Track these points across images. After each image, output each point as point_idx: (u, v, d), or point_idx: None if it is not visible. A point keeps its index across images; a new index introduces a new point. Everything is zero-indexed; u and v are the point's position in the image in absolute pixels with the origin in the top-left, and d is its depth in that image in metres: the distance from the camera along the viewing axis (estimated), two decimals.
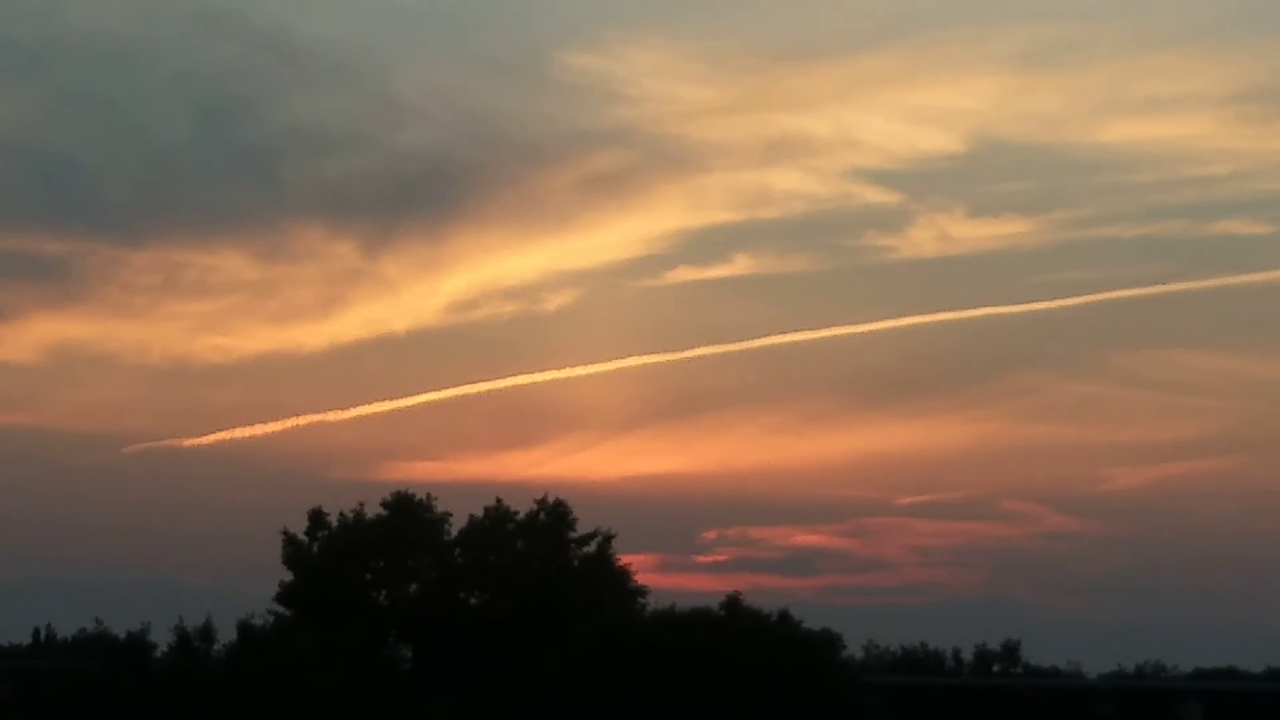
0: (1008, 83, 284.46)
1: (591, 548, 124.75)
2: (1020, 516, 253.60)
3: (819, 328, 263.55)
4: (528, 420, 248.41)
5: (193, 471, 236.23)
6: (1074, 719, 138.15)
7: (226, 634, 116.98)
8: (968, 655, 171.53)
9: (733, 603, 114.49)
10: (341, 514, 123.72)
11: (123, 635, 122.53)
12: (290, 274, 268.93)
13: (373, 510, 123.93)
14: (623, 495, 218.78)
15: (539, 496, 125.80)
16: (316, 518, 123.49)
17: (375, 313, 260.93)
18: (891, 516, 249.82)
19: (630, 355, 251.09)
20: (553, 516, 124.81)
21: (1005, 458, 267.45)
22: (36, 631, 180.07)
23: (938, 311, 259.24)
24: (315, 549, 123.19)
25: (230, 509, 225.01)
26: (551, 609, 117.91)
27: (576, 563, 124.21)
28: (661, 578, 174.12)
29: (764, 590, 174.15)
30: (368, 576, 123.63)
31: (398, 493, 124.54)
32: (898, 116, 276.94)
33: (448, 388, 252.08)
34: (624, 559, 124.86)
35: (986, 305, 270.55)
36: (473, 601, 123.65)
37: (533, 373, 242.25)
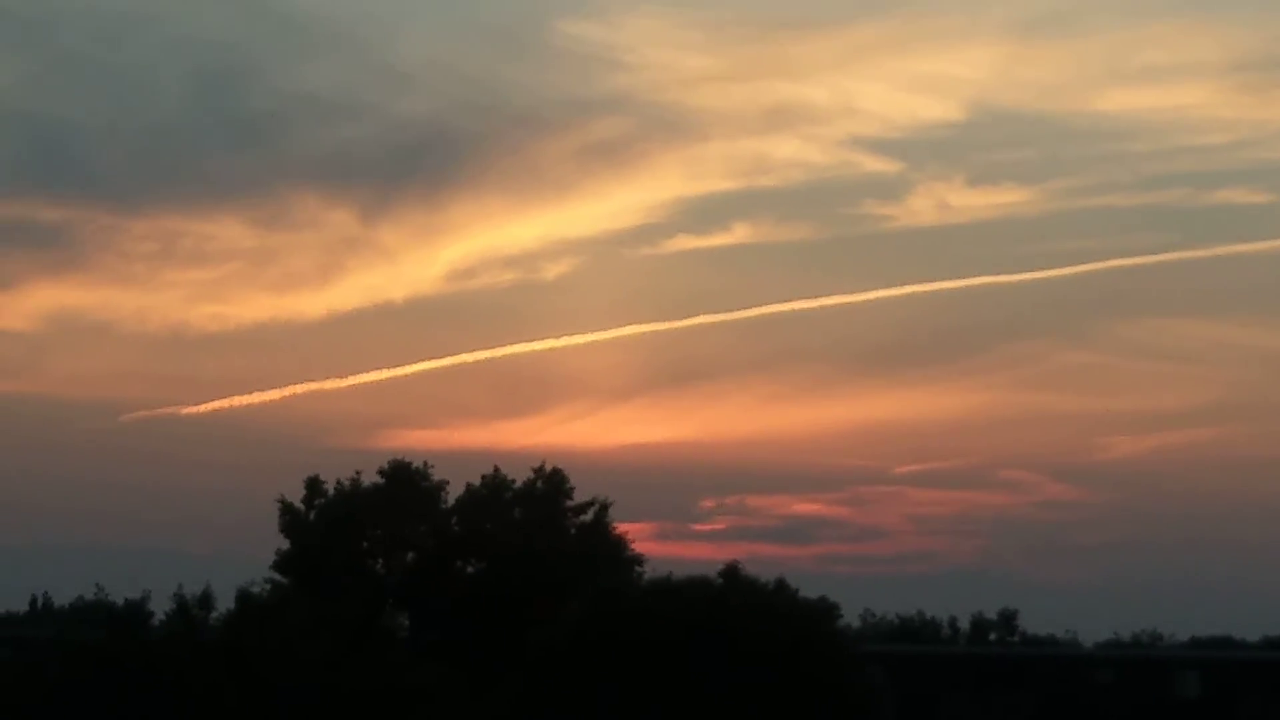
0: (1007, 52, 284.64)
1: (588, 516, 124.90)
2: (1018, 485, 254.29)
3: (817, 296, 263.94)
4: (526, 389, 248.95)
5: (190, 439, 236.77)
6: (1071, 687, 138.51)
7: (225, 602, 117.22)
8: (964, 624, 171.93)
9: (730, 571, 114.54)
10: (338, 482, 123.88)
11: (120, 603, 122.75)
12: (288, 242, 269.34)
13: (370, 479, 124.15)
14: (621, 464, 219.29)
15: (536, 465, 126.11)
16: (313, 486, 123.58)
17: (373, 281, 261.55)
18: (889, 485, 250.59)
19: (628, 324, 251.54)
20: (550, 485, 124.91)
21: (1003, 426, 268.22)
22: (34, 599, 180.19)
23: (936, 280, 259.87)
24: (312, 517, 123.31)
25: (228, 477, 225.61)
26: (548, 578, 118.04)
27: (573, 531, 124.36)
28: (659, 546, 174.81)
29: (761, 559, 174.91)
30: (364, 545, 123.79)
31: (394, 461, 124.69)
32: (897, 85, 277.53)
33: (446, 356, 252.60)
34: (621, 528, 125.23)
35: (985, 274, 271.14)
36: (469, 570, 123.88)
37: (531, 341, 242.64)
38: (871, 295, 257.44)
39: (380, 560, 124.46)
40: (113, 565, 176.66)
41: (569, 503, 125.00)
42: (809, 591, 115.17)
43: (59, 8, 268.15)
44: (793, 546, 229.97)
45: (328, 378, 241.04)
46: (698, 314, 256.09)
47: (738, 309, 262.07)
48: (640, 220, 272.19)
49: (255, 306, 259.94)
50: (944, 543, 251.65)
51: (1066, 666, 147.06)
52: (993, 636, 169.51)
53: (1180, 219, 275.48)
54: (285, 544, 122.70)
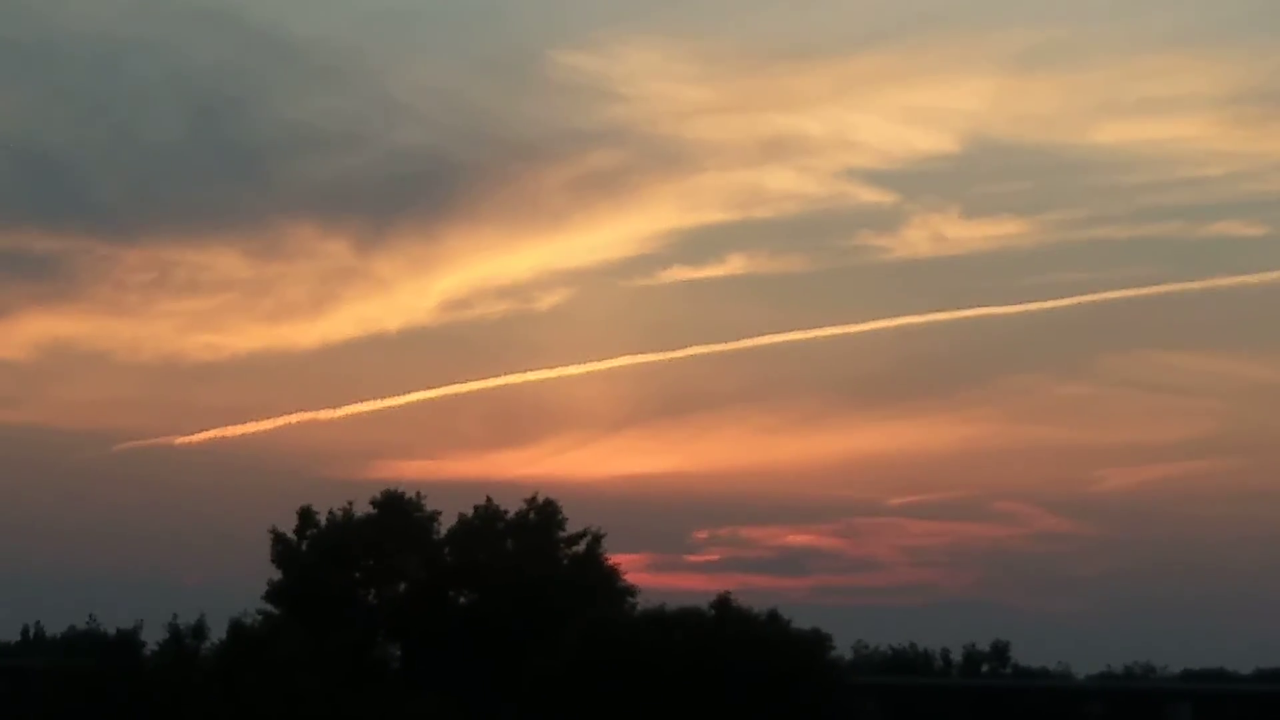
0: (1003, 84, 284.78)
1: (581, 547, 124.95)
2: (1011, 517, 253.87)
3: (812, 328, 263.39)
4: (519, 419, 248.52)
5: (184, 469, 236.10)
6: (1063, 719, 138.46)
7: (218, 632, 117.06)
8: (957, 656, 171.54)
9: (722, 603, 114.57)
10: (331, 512, 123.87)
11: (112, 632, 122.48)
12: (283, 272, 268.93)
13: (362, 509, 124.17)
14: (614, 495, 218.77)
15: (529, 496, 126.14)
16: (306, 516, 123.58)
17: (367, 311, 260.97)
18: (883, 517, 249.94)
19: (623, 355, 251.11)
20: (542, 516, 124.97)
21: (997, 458, 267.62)
22: (26, 629, 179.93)
23: (931, 312, 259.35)
24: (305, 547, 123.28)
25: (221, 507, 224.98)
26: (541, 608, 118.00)
27: (566, 562, 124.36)
28: (653, 577, 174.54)
29: (755, 590, 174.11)
30: (357, 575, 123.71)
31: (387, 491, 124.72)
32: (892, 117, 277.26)
33: (440, 387, 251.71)
34: (614, 559, 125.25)
35: (980, 306, 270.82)
36: (462, 601, 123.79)
37: (525, 372, 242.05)
38: (866, 326, 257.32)
39: (372, 590, 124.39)
40: (105, 595, 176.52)
41: (562, 533, 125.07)
42: (802, 623, 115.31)
43: (56, 37, 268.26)
44: (786, 578, 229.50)
45: (321, 408, 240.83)
46: (692, 345, 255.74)
47: (732, 340, 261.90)
48: (635, 251, 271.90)
49: (250, 336, 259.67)
50: (937, 574, 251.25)
51: (1059, 699, 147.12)
52: (985, 668, 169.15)
53: (1176, 251, 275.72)
54: (278, 574, 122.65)
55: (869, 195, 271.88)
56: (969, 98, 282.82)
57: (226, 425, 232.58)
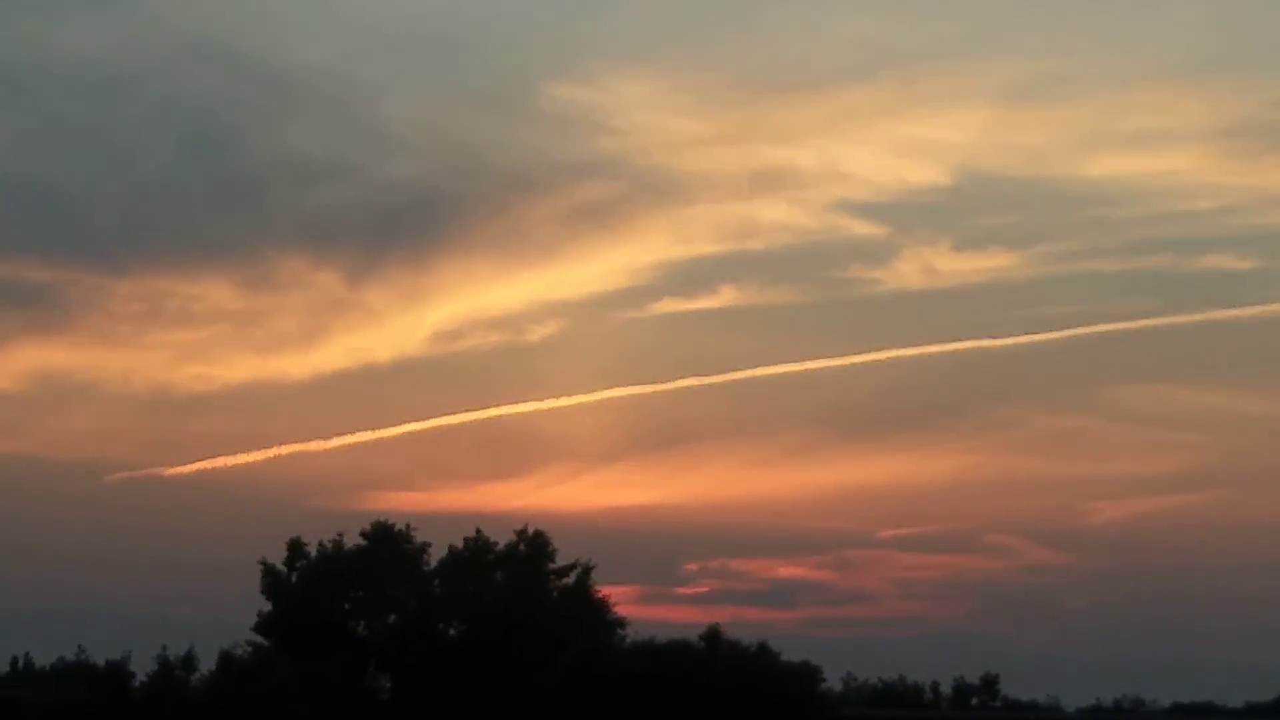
0: (994, 116, 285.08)
1: (571, 579, 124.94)
2: (1002, 550, 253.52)
3: (803, 360, 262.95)
4: (510, 451, 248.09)
5: (174, 500, 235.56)
6: None
7: (207, 663, 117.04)
8: (946, 688, 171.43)
9: (712, 635, 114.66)
10: (320, 544, 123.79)
11: (102, 664, 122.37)
12: (274, 303, 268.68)
13: (352, 540, 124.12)
14: (604, 526, 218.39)
15: (519, 527, 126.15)
16: (295, 548, 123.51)
17: (359, 342, 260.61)
18: (873, 549, 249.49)
19: (614, 386, 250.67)
20: (532, 548, 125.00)
21: (988, 491, 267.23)
22: (15, 660, 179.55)
23: (922, 344, 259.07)
24: (294, 579, 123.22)
25: (212, 538, 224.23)
26: (530, 640, 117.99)
27: (556, 594, 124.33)
28: (643, 609, 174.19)
29: (745, 622, 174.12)
30: (346, 607, 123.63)
31: (377, 523, 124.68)
32: (884, 149, 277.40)
33: (430, 418, 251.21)
34: (604, 590, 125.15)
35: (971, 338, 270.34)
36: (452, 632, 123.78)
37: (516, 403, 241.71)
38: (857, 359, 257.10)
39: (362, 622, 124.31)
40: (94, 626, 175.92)
41: (551, 565, 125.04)
42: (792, 655, 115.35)
43: (45, 69, 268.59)
44: (776, 610, 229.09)
45: (312, 439, 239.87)
46: (683, 377, 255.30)
47: (723, 372, 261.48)
48: (626, 283, 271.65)
49: (240, 367, 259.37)
50: (927, 607, 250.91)
51: None
52: (975, 701, 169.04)
53: (1167, 284, 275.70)
54: (267, 606, 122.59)
55: (860, 228, 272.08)
56: (961, 130, 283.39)
57: (217, 456, 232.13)
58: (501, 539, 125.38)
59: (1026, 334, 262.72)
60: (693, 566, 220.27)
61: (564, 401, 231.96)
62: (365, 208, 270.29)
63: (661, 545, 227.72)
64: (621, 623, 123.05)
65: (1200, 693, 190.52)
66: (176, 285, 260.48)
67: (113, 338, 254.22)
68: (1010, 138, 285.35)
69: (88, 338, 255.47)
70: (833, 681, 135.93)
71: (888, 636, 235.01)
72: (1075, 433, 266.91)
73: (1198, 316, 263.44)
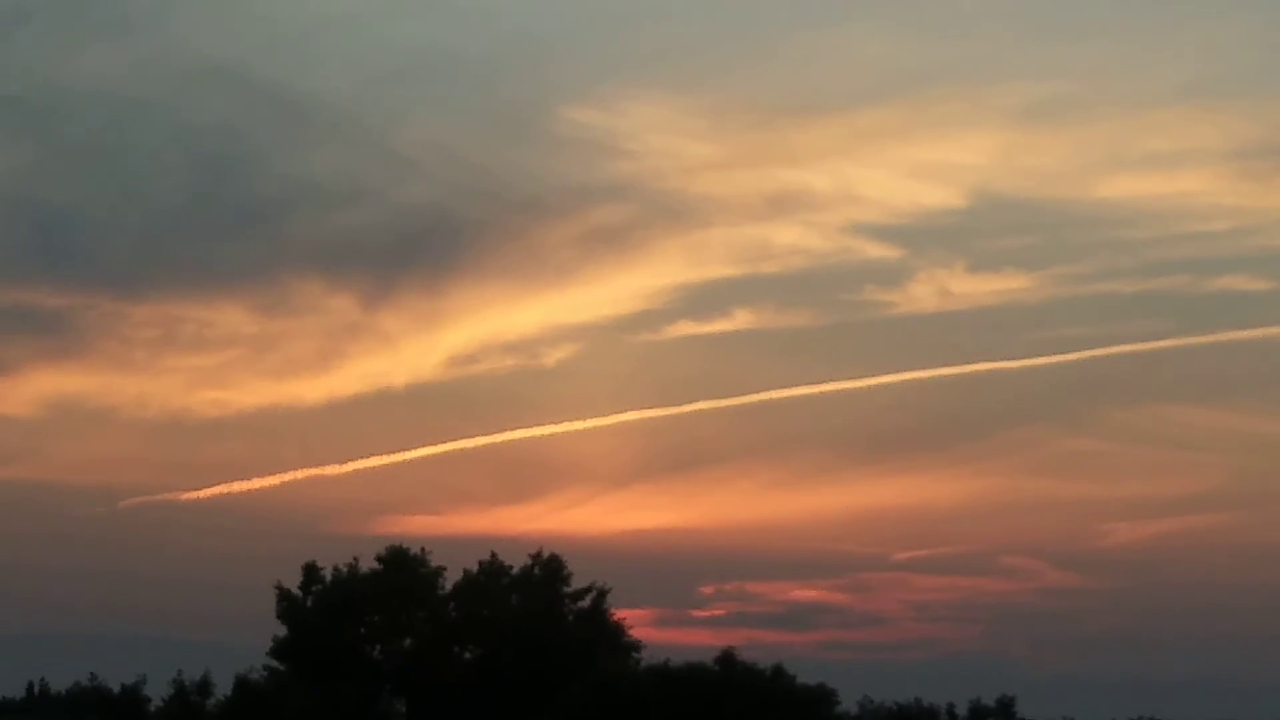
0: (1008, 139, 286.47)
1: (586, 602, 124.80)
2: (1018, 572, 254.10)
3: (818, 382, 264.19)
4: (525, 474, 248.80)
5: (189, 525, 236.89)
6: None
7: (223, 688, 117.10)
8: (962, 711, 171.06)
9: (727, 658, 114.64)
10: (335, 568, 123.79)
11: (118, 689, 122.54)
12: (289, 328, 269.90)
13: (367, 564, 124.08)
14: (620, 549, 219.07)
15: (534, 551, 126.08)
16: (311, 572, 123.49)
17: (374, 367, 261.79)
18: (889, 571, 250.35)
19: (629, 409, 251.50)
20: (547, 571, 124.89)
21: (1003, 513, 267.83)
22: (31, 685, 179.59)
23: (937, 366, 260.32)
24: (309, 603, 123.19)
25: (226, 562, 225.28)
26: (546, 664, 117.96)
27: (571, 617, 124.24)
28: (659, 632, 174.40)
29: (761, 645, 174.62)
30: (362, 631, 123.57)
31: (392, 547, 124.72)
32: (898, 172, 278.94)
33: (446, 442, 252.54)
34: (620, 614, 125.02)
35: (986, 360, 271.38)
36: (467, 656, 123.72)
37: (531, 427, 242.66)
38: (872, 381, 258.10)
39: (377, 646, 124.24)
40: (110, 651, 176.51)
41: (567, 589, 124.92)
42: (808, 678, 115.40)
43: (63, 95, 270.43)
44: (792, 633, 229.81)
45: (327, 463, 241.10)
46: (698, 400, 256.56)
47: (738, 395, 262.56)
48: (641, 306, 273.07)
49: (256, 392, 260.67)
50: (943, 629, 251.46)
51: None
52: None
53: (1181, 306, 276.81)
54: (282, 630, 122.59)
55: (875, 250, 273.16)
56: (974, 153, 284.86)
57: (232, 481, 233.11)
58: (517, 562, 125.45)
59: (1041, 355, 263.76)
60: (708, 589, 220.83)
61: (579, 425, 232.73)
62: (380, 233, 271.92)
63: (677, 568, 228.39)
64: (637, 646, 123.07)
65: (1217, 712, 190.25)
66: (191, 310, 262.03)
67: (128, 363, 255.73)
68: (1024, 160, 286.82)
69: (103, 363, 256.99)
70: (848, 704, 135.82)
71: (903, 659, 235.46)
72: (1090, 454, 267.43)
73: (1212, 338, 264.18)
